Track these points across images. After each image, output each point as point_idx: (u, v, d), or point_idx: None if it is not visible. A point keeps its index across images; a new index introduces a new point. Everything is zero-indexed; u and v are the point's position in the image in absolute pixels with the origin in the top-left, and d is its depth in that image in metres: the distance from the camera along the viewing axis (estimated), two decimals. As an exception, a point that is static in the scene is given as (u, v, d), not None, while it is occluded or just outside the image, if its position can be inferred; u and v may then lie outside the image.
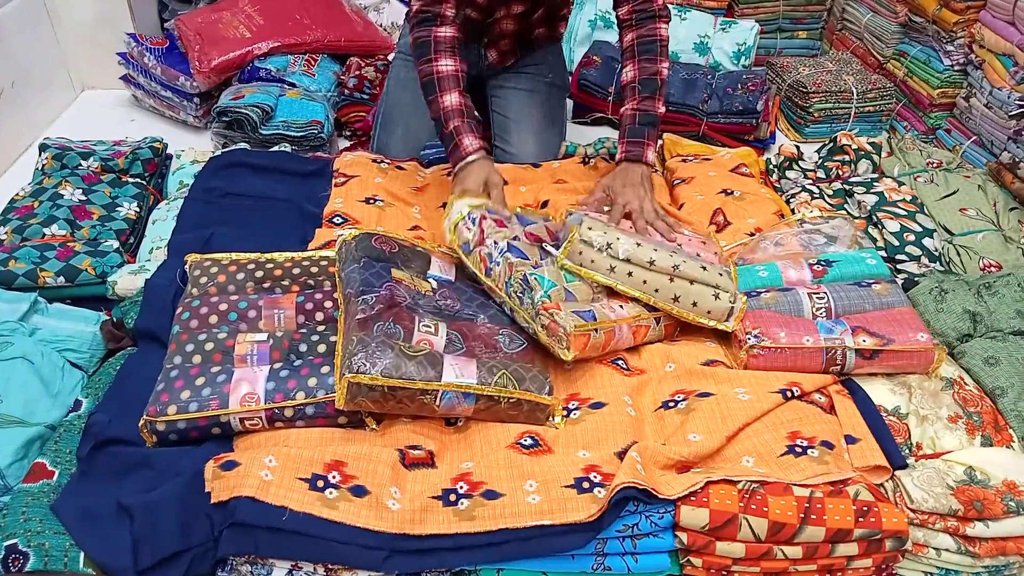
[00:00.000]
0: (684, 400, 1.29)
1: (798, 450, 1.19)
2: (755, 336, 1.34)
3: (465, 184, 1.56)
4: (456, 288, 1.41)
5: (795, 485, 1.13)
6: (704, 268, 1.40)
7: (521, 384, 1.22)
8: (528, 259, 1.36)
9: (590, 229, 1.41)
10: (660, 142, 1.99)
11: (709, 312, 1.39)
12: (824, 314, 1.40)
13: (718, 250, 1.57)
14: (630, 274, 1.38)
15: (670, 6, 1.83)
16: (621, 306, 1.39)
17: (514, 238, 1.40)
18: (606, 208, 1.62)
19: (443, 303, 1.35)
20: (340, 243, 1.41)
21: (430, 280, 1.39)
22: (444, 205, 1.58)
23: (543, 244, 1.46)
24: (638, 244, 1.40)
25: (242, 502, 1.03)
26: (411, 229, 1.68)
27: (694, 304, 1.39)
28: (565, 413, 1.28)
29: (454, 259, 1.48)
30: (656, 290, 1.38)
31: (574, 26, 2.78)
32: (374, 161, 1.88)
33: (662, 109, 1.67)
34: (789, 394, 1.28)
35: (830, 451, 1.19)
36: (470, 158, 1.59)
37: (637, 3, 1.69)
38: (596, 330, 1.30)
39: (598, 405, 1.28)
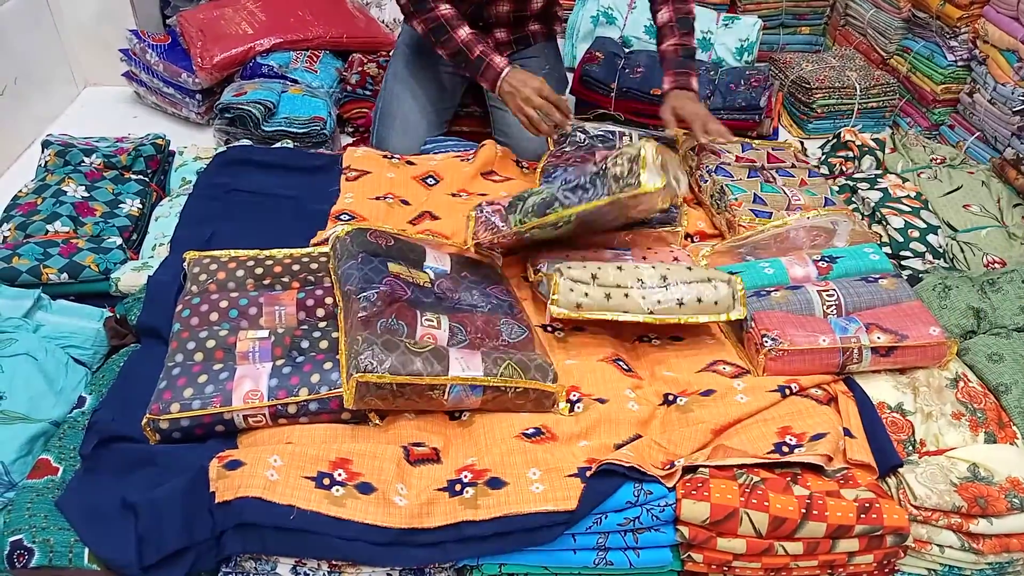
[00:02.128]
0: (685, 398, 1.29)
1: (785, 449, 1.18)
2: (772, 339, 1.31)
3: (529, 84, 1.77)
4: (453, 278, 1.41)
5: (794, 485, 1.13)
6: (689, 268, 1.40)
7: (527, 373, 1.22)
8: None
9: (570, 268, 1.37)
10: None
11: (716, 303, 1.36)
12: (835, 311, 1.39)
13: (692, 260, 1.58)
14: (627, 296, 1.34)
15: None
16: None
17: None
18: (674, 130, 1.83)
19: (442, 293, 1.35)
20: (333, 240, 1.41)
21: (427, 271, 1.39)
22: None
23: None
24: (619, 268, 1.38)
25: (249, 502, 1.03)
26: (413, 221, 1.67)
27: (699, 300, 1.35)
28: (569, 407, 1.27)
29: (457, 248, 1.49)
30: (658, 301, 1.35)
31: (576, 22, 2.78)
32: (384, 156, 1.87)
33: (695, 44, 1.90)
34: (788, 391, 1.28)
35: (819, 441, 1.18)
36: (508, 68, 1.79)
37: None
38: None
39: (601, 400, 1.27)
